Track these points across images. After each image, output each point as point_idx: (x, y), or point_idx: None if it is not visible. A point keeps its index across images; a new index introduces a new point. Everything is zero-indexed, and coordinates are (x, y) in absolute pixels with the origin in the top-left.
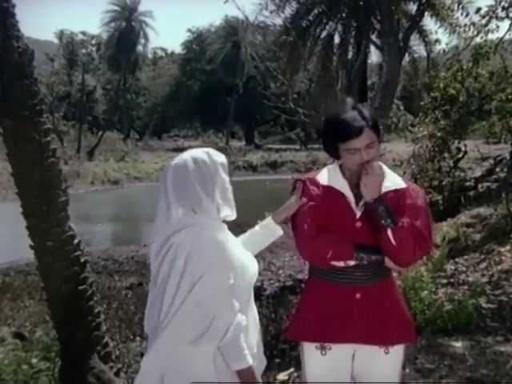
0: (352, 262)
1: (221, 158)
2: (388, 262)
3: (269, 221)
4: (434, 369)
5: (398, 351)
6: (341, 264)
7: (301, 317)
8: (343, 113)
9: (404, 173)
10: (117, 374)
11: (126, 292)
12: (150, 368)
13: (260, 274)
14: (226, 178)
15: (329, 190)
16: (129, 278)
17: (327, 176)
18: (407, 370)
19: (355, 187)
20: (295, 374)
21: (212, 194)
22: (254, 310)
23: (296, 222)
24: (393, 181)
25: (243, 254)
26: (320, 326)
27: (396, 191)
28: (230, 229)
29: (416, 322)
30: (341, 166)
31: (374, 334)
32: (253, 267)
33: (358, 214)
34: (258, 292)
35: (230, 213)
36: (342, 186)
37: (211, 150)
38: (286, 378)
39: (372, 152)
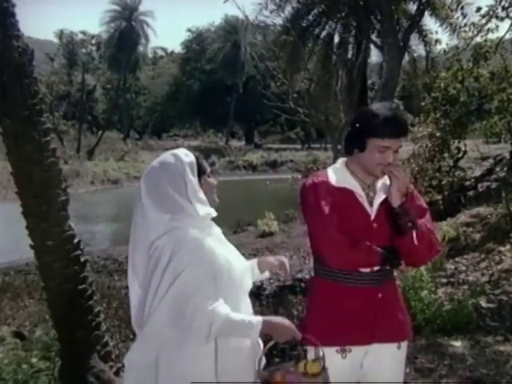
0: (376, 268)
1: (188, 157)
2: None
3: (254, 265)
4: (433, 368)
5: (404, 346)
6: (366, 270)
7: (319, 320)
8: (385, 109)
9: None
10: (117, 374)
11: (126, 291)
12: (139, 359)
13: None
14: (194, 179)
15: (342, 192)
16: None
17: (336, 177)
18: (407, 370)
19: (366, 187)
20: None
21: (186, 194)
22: (247, 306)
23: (319, 228)
24: None
25: (228, 252)
26: (342, 330)
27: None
28: (230, 228)
29: (416, 321)
30: (347, 166)
31: (390, 332)
32: (239, 264)
33: (373, 215)
34: (258, 292)
35: (207, 210)
36: (355, 186)
37: (179, 151)
38: None
39: (397, 156)
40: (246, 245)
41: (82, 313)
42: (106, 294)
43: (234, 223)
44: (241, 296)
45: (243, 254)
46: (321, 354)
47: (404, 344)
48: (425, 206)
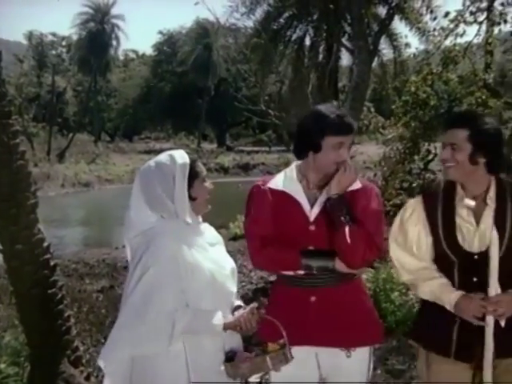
0: (301, 272)
1: (182, 159)
2: (338, 264)
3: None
4: (404, 369)
5: (362, 354)
6: (290, 273)
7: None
8: (333, 108)
9: (375, 175)
10: (87, 379)
11: (97, 295)
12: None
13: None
14: (183, 181)
15: (281, 195)
16: (100, 281)
17: (282, 181)
18: (378, 371)
19: (317, 190)
20: (267, 376)
21: (172, 195)
22: (229, 308)
23: (245, 228)
24: None
25: (210, 257)
26: (283, 329)
27: (352, 192)
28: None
29: (387, 323)
30: (298, 169)
31: (332, 337)
32: (221, 269)
33: (312, 217)
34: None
35: (186, 215)
36: (296, 190)
37: (175, 152)
38: (258, 380)
39: (349, 153)
40: None
41: (51, 317)
42: (76, 297)
43: None
44: (221, 299)
45: None
46: (284, 338)
47: (358, 352)
48: (374, 207)
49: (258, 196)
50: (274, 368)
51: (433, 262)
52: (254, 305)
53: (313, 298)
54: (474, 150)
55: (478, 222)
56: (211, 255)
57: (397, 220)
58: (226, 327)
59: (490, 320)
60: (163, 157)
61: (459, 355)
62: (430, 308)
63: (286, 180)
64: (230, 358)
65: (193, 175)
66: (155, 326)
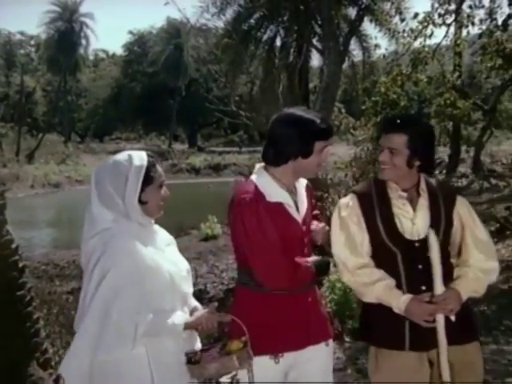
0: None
1: (140, 162)
2: None
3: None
4: None
5: (331, 343)
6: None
7: (251, 330)
8: (313, 112)
9: (345, 175)
10: (56, 381)
11: (67, 297)
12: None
13: (203, 276)
14: (136, 182)
15: (276, 206)
16: (70, 283)
17: (268, 191)
18: (348, 371)
19: (292, 193)
20: (238, 377)
21: (123, 195)
22: (185, 309)
23: (259, 251)
24: (300, 180)
25: (165, 257)
26: (275, 339)
27: (307, 188)
28: (173, 231)
29: (356, 323)
30: (272, 176)
31: (321, 333)
32: (176, 270)
33: (300, 220)
34: (201, 295)
35: (136, 216)
36: (285, 197)
37: (135, 153)
38: (229, 381)
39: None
40: (189, 248)
41: (20, 319)
42: (46, 299)
43: (176, 227)
44: (179, 299)
45: (186, 258)
46: (246, 335)
47: (331, 341)
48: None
49: (261, 213)
50: (240, 367)
51: (371, 259)
52: (214, 304)
53: (310, 299)
54: (411, 155)
55: (414, 210)
56: (168, 256)
57: (335, 219)
58: (187, 327)
59: (440, 318)
60: (122, 156)
61: (414, 346)
62: (375, 305)
63: (271, 189)
64: (190, 358)
65: (147, 180)
66: (118, 330)
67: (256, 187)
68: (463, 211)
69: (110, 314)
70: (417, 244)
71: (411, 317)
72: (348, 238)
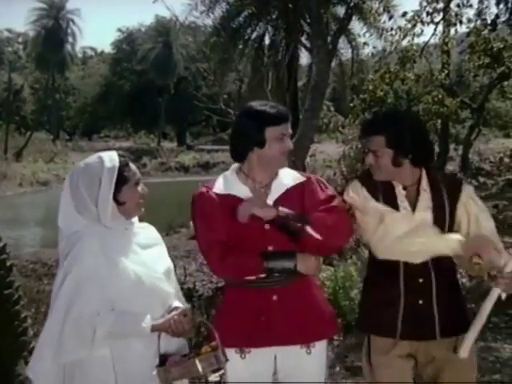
0: (263, 275)
1: (111, 162)
2: (299, 266)
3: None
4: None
5: (320, 349)
6: (252, 278)
7: (220, 323)
8: (264, 102)
9: (334, 173)
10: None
11: None
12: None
13: (192, 275)
14: (109, 185)
15: (228, 199)
16: None
17: (224, 184)
18: (337, 369)
19: (263, 188)
20: (225, 377)
21: (96, 199)
22: (157, 312)
23: (200, 240)
24: (292, 177)
25: (130, 257)
26: (239, 332)
27: (297, 186)
28: (162, 230)
29: (346, 321)
30: (239, 172)
31: (292, 335)
32: (136, 269)
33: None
34: (190, 293)
35: (107, 221)
36: (241, 191)
37: (105, 154)
38: (218, 379)
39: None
40: (178, 246)
41: (7, 319)
42: (34, 298)
43: (166, 225)
44: (152, 301)
45: (175, 256)
46: (217, 340)
47: (317, 348)
48: (325, 192)
49: (205, 202)
50: (204, 372)
51: None
52: (187, 307)
53: (274, 297)
54: (396, 153)
55: (413, 209)
56: (140, 258)
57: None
58: (155, 329)
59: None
60: (93, 158)
61: (405, 334)
62: (372, 293)
63: (228, 183)
64: (162, 362)
65: (121, 180)
66: (76, 331)
67: (214, 182)
68: (468, 201)
69: (69, 315)
70: None
71: None
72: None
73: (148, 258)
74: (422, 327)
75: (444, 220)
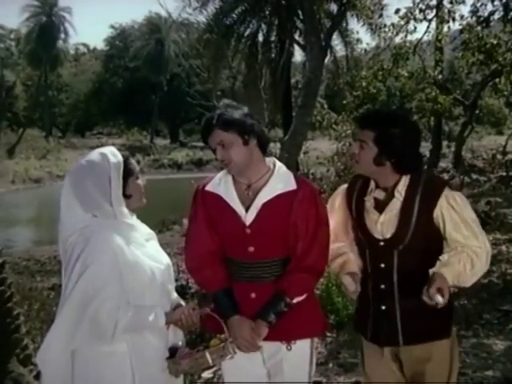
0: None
1: (116, 158)
2: (295, 300)
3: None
4: (356, 363)
5: (302, 347)
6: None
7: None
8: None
9: (328, 170)
10: (36, 378)
11: (48, 293)
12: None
13: (185, 272)
14: (119, 181)
15: (214, 197)
16: (51, 279)
17: (218, 184)
18: (330, 365)
19: (248, 190)
20: (220, 372)
21: (109, 196)
22: (167, 304)
23: (189, 235)
24: (284, 181)
25: (141, 251)
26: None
27: (287, 194)
28: (155, 227)
29: (339, 317)
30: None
31: (273, 331)
32: (149, 263)
33: (248, 222)
34: (183, 290)
35: (124, 216)
36: (230, 195)
37: (107, 150)
38: (211, 375)
39: (227, 153)
40: (171, 243)
41: (0, 316)
42: (27, 295)
43: (159, 222)
44: (161, 295)
45: (168, 253)
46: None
47: (298, 345)
48: (310, 214)
49: (197, 200)
50: (214, 363)
51: (354, 243)
52: (195, 301)
53: (253, 295)
54: (380, 153)
55: (382, 210)
56: (149, 251)
57: (329, 205)
58: (168, 322)
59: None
60: (95, 156)
61: (373, 338)
62: (359, 296)
63: (221, 182)
64: (172, 354)
65: (127, 173)
66: (97, 324)
67: (211, 179)
68: (446, 207)
69: (89, 308)
70: (381, 243)
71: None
72: (334, 226)
73: (153, 251)
74: (385, 333)
75: (408, 225)
